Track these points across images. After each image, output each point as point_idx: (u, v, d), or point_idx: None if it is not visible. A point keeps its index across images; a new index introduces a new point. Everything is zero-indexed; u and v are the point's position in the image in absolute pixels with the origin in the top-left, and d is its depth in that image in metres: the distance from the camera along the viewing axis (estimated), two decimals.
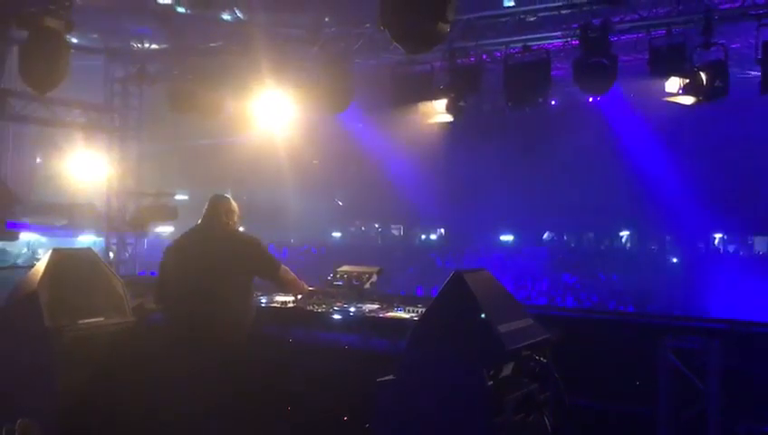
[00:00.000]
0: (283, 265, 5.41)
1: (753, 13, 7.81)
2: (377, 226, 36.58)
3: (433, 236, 36.85)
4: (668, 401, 5.45)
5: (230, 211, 5.42)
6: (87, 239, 20.52)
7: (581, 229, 32.19)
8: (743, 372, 5.39)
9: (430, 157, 21.18)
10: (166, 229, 17.68)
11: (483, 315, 4.11)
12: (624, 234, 33.42)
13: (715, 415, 5.31)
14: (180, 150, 16.61)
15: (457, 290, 4.28)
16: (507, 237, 33.29)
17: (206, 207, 5.43)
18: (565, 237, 33.68)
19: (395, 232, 36.99)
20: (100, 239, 13.98)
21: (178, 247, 5.39)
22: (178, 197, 21.10)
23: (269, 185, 22.31)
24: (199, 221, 5.44)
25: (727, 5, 8.07)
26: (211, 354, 4.94)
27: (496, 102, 9.18)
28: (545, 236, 33.29)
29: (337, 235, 35.05)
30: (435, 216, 31.11)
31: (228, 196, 5.57)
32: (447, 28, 4.35)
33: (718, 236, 31.85)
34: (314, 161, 23.26)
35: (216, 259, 5.19)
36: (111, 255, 12.54)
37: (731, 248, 31.39)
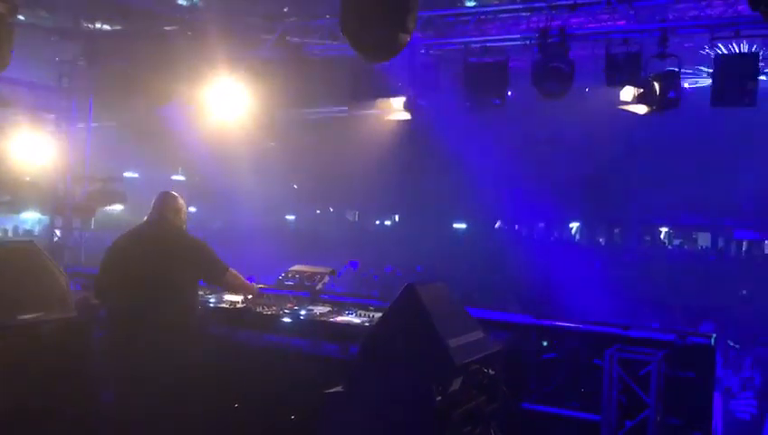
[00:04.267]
0: (230, 270, 5.31)
1: (706, 23, 7.95)
2: (332, 210, 36.52)
3: (387, 222, 36.97)
4: (612, 410, 5.56)
5: (177, 210, 5.31)
6: (31, 216, 19.89)
7: (533, 219, 32.70)
8: (686, 381, 5.52)
9: (387, 144, 21.16)
10: (115, 208, 17.24)
11: (434, 330, 4.10)
12: (574, 225, 34.04)
13: (655, 424, 5.44)
14: (132, 131, 16.17)
15: (410, 303, 4.26)
16: (460, 225, 33.60)
17: (152, 204, 5.31)
18: (516, 227, 34.17)
19: (349, 217, 37.02)
20: (45, 217, 13.57)
21: (122, 245, 5.24)
22: (128, 174, 20.59)
23: (223, 166, 21.94)
24: (145, 218, 5.31)
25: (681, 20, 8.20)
26: (152, 354, 4.85)
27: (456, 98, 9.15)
28: (497, 224, 33.68)
29: (291, 218, 34.90)
30: (390, 202, 31.20)
31: (177, 194, 5.42)
32: (408, 38, 4.32)
33: (664, 229, 32.73)
34: (271, 143, 22.95)
35: (160, 259, 5.08)
36: (58, 233, 12.12)
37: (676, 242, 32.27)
